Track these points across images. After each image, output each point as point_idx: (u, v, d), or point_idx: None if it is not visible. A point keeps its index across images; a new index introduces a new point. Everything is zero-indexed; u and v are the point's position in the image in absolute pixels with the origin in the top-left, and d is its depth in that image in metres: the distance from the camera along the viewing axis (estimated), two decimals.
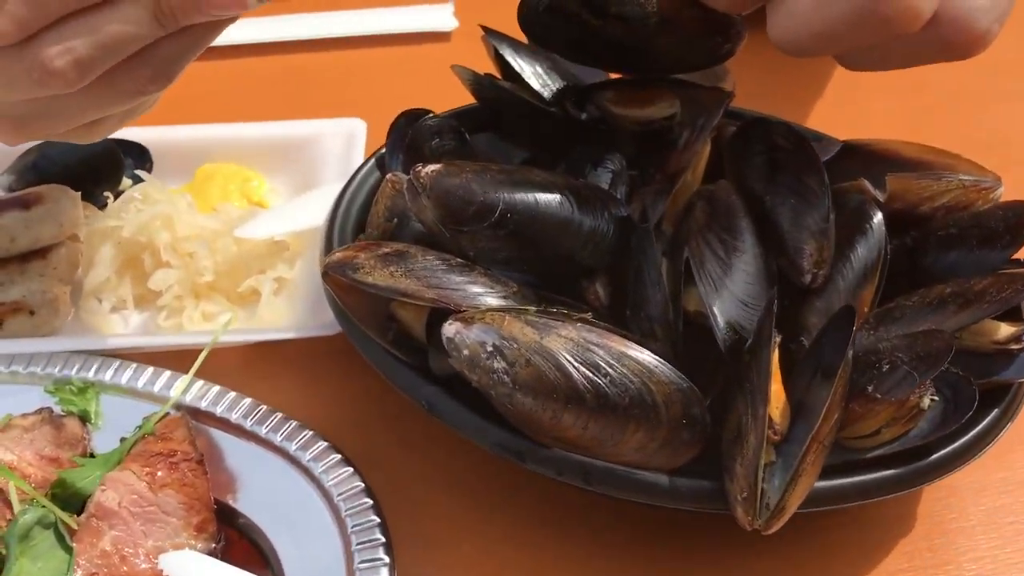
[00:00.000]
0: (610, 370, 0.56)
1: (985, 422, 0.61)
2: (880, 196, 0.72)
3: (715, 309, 0.61)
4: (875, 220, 0.69)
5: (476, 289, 0.62)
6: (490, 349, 0.57)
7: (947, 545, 0.66)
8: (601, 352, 0.57)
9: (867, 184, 0.72)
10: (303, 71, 1.06)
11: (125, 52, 0.54)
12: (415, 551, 0.65)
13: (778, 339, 0.59)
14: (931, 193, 0.71)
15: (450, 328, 0.58)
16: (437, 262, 0.63)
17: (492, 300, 0.62)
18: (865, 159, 0.76)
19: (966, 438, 0.61)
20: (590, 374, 0.56)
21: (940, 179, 0.71)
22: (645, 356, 0.57)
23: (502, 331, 0.57)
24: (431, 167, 0.66)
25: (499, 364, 0.56)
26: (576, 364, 0.56)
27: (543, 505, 0.68)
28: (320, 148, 0.92)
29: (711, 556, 0.65)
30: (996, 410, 0.62)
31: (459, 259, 0.64)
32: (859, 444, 0.61)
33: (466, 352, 0.57)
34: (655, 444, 0.57)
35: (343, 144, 0.91)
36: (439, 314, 0.62)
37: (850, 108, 1.02)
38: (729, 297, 0.62)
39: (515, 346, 0.57)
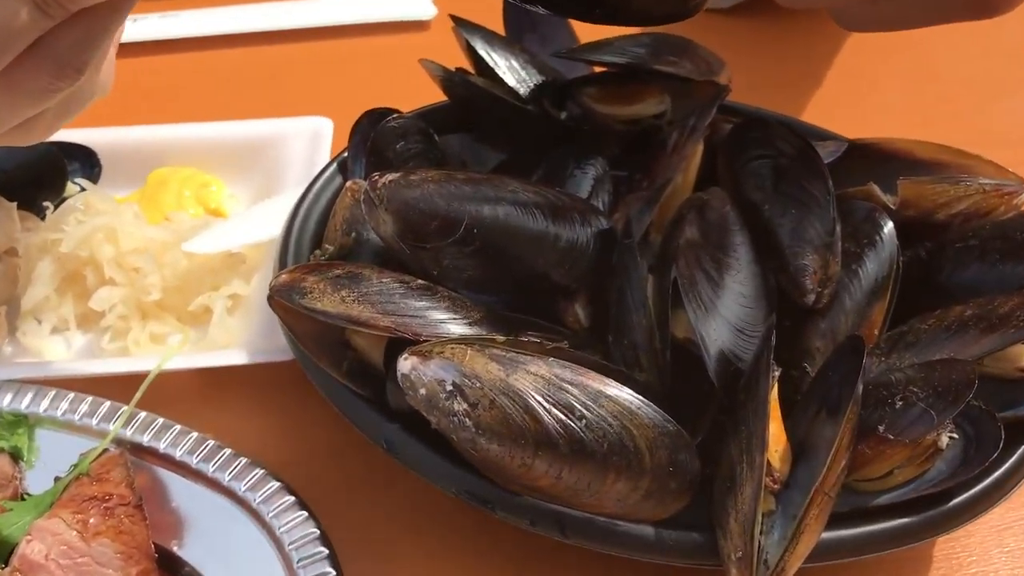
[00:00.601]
0: (586, 412, 0.50)
1: (1010, 462, 0.55)
2: (891, 202, 0.65)
3: (705, 337, 0.55)
4: (886, 231, 0.62)
5: (438, 315, 0.56)
6: (449, 388, 0.50)
7: None
8: (575, 391, 0.50)
9: (876, 189, 0.65)
10: (267, 65, 0.99)
11: (12, 48, 0.48)
12: None
13: (777, 373, 0.53)
14: (947, 199, 0.64)
15: (405, 363, 0.51)
16: (395, 285, 0.56)
17: (456, 328, 0.55)
18: (874, 160, 0.69)
19: (989, 481, 0.54)
20: (563, 417, 0.50)
21: (958, 183, 0.64)
22: (625, 395, 0.51)
23: (463, 367, 0.50)
24: (388, 176, 0.59)
25: (459, 405, 0.50)
26: (547, 406, 0.50)
27: (518, 549, 0.61)
28: (283, 149, 0.85)
29: None
30: (1022, 448, 0.56)
31: (420, 281, 0.57)
32: (869, 487, 0.55)
33: (423, 391, 0.50)
34: (638, 494, 0.51)
35: (308, 145, 0.84)
36: (399, 343, 0.55)
37: (854, 100, 0.95)
38: (722, 323, 0.55)
39: (478, 384, 0.50)
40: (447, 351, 0.51)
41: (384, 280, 0.56)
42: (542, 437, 0.49)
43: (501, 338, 0.53)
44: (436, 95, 0.77)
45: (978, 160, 0.68)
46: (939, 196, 0.64)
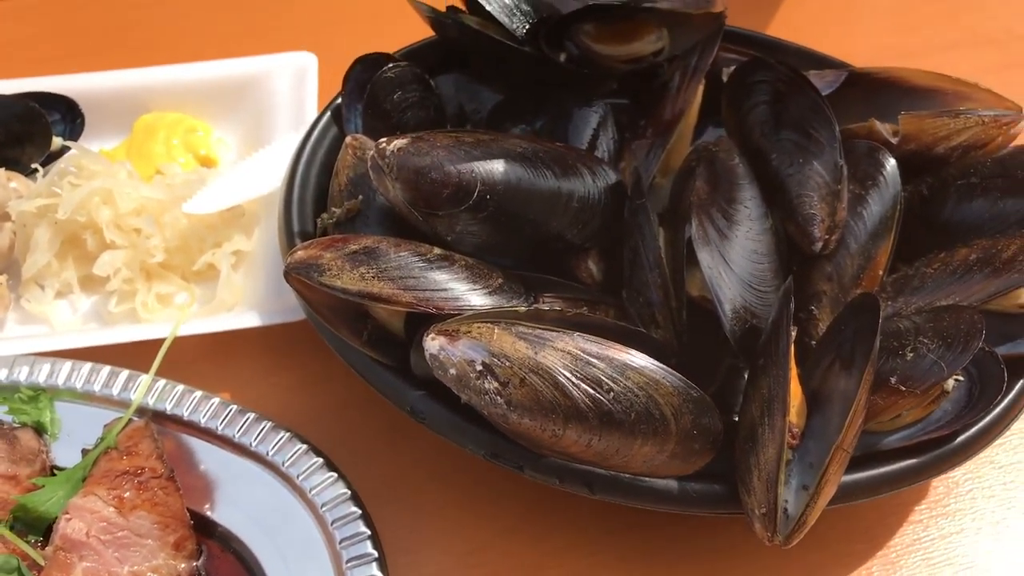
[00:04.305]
0: (613, 385, 0.51)
1: (1010, 397, 0.57)
2: (890, 136, 0.65)
3: (721, 296, 0.56)
4: (888, 169, 0.63)
5: (458, 287, 0.56)
6: (479, 368, 0.51)
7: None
8: (602, 365, 0.52)
9: (878, 125, 0.65)
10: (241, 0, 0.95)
11: None
12: (407, 556, 0.62)
13: (795, 333, 0.54)
14: (947, 132, 0.65)
15: (433, 343, 0.52)
16: (413, 259, 0.57)
17: (477, 299, 0.56)
18: (872, 90, 0.69)
19: (991, 417, 0.57)
20: (591, 391, 0.51)
21: (957, 116, 0.65)
22: (650, 366, 0.52)
23: (491, 347, 0.51)
24: (396, 143, 0.58)
25: (490, 384, 0.51)
26: (576, 381, 0.51)
27: (542, 502, 0.63)
28: (268, 88, 0.83)
29: (710, 555, 0.62)
30: (1022, 381, 0.58)
31: (438, 251, 0.58)
32: (877, 428, 0.57)
33: (453, 371, 0.52)
34: (664, 456, 0.53)
35: (293, 82, 0.82)
36: (421, 313, 0.56)
37: (833, 12, 0.94)
38: (736, 280, 0.57)
39: (507, 363, 0.51)
40: (474, 330, 0.52)
41: (402, 254, 0.57)
42: (572, 411, 0.51)
43: (523, 309, 0.54)
44: (420, 28, 0.75)
45: (975, 88, 0.68)
46: (939, 129, 0.65)
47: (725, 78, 0.70)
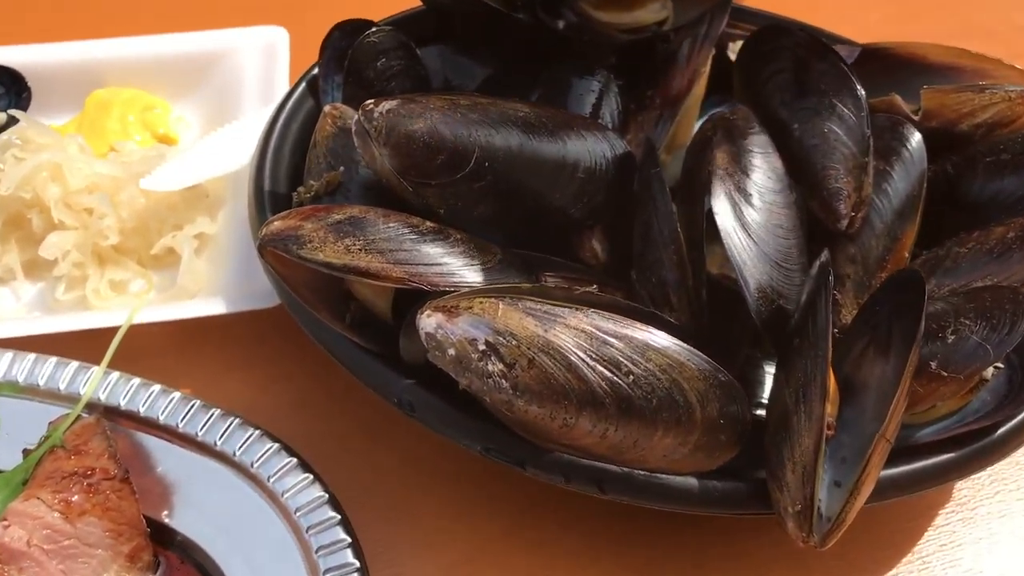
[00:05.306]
0: (633, 367, 0.46)
1: None
2: (912, 113, 0.61)
3: (745, 273, 0.51)
4: (913, 143, 0.59)
5: (453, 262, 0.50)
6: (482, 348, 0.45)
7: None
8: (620, 345, 0.46)
9: (900, 100, 0.61)
10: None
11: None
12: (391, 568, 0.55)
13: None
14: (971, 108, 0.61)
15: (429, 321, 0.46)
16: (404, 230, 0.51)
17: (473, 275, 0.50)
18: (888, 66, 0.65)
19: None
20: (609, 374, 0.46)
21: (982, 91, 0.61)
22: (673, 346, 0.47)
23: (496, 323, 0.46)
24: (385, 104, 0.53)
25: (495, 366, 0.45)
26: (591, 362, 0.45)
27: (538, 505, 0.58)
28: (234, 64, 0.77)
29: (724, 564, 0.56)
30: None
31: (430, 223, 0.52)
32: (910, 420, 0.52)
33: (452, 352, 0.46)
34: (687, 448, 0.47)
35: (261, 59, 0.77)
36: (409, 291, 0.50)
37: None
38: (761, 257, 0.51)
39: (514, 342, 0.45)
40: (476, 305, 0.46)
41: (391, 224, 0.51)
42: (586, 396, 0.45)
43: (527, 286, 0.49)
44: (399, 1, 0.70)
45: (997, 64, 0.64)
46: (963, 105, 0.61)
47: (731, 54, 0.66)
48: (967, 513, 0.59)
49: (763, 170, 0.54)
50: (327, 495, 0.55)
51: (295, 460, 0.56)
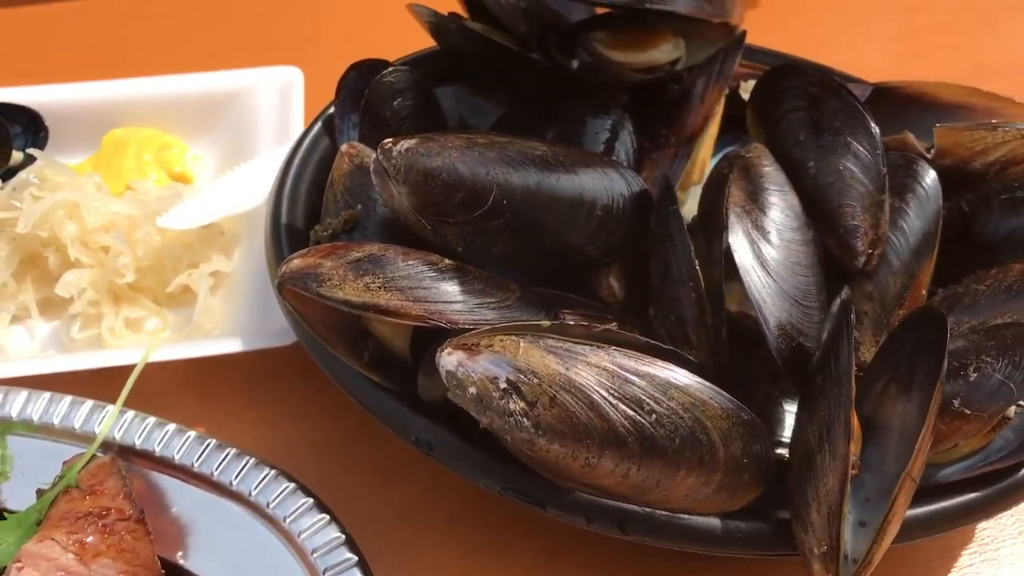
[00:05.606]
0: (655, 406, 0.45)
1: None
2: (925, 151, 0.62)
3: (764, 310, 0.51)
4: (928, 180, 0.59)
5: (472, 300, 0.50)
6: (504, 386, 0.45)
7: None
8: (642, 383, 0.46)
9: (912, 138, 0.61)
10: (223, 12, 0.90)
11: None
12: None
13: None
14: (984, 146, 0.61)
15: (450, 359, 0.46)
16: (423, 267, 0.51)
17: (493, 313, 0.50)
18: (899, 105, 0.66)
19: None
20: (631, 412, 0.45)
21: (995, 129, 0.61)
22: (695, 384, 0.47)
23: (517, 361, 0.45)
24: (404, 143, 0.53)
25: (516, 404, 0.45)
26: (613, 401, 0.45)
27: (560, 549, 0.57)
28: (250, 104, 0.77)
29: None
30: None
31: (448, 261, 0.52)
32: (932, 459, 0.52)
33: (472, 390, 0.45)
34: (710, 488, 0.47)
35: (277, 99, 0.77)
36: (427, 329, 0.50)
37: (850, 34, 0.91)
38: (780, 294, 0.51)
39: (535, 380, 0.45)
40: (496, 344, 0.46)
41: (411, 262, 0.51)
42: (609, 435, 0.45)
43: (547, 324, 0.49)
44: (413, 43, 0.70)
45: (1008, 103, 0.64)
46: (976, 143, 0.61)
47: (743, 93, 0.67)
48: (990, 554, 0.59)
49: (780, 207, 0.54)
50: (344, 536, 0.54)
51: (311, 500, 0.56)
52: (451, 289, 0.50)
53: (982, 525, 0.60)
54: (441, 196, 0.52)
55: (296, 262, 0.51)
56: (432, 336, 0.50)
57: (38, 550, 0.53)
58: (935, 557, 0.58)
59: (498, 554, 0.57)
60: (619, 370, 0.46)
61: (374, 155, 0.53)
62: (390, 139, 0.53)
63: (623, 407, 0.45)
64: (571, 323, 0.50)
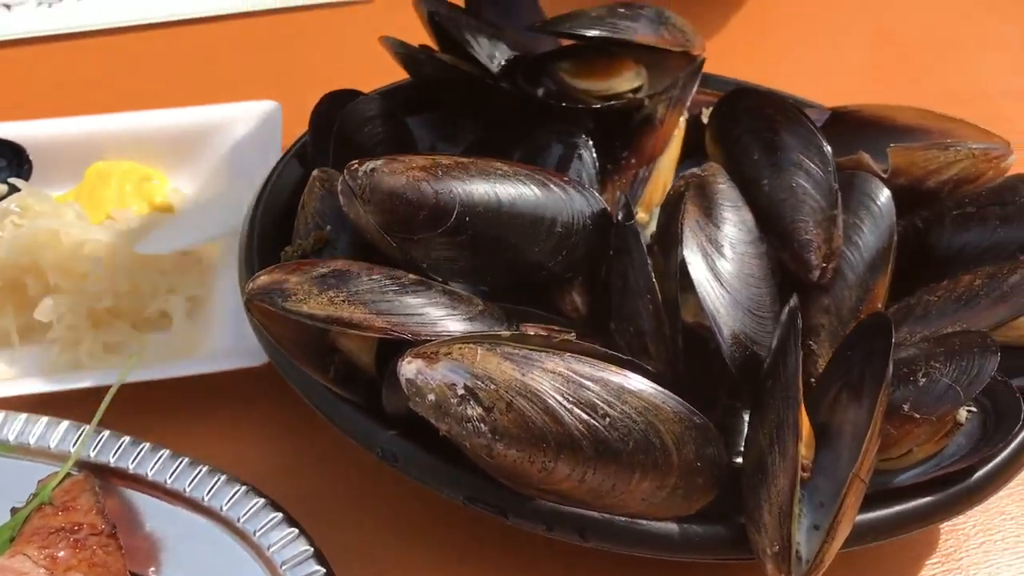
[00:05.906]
0: (609, 410, 0.47)
1: None
2: (881, 171, 0.63)
3: (719, 320, 0.52)
4: (882, 199, 0.61)
5: (435, 312, 0.52)
6: (461, 392, 0.46)
7: None
8: (597, 388, 0.47)
9: (867, 158, 0.63)
10: (202, 48, 0.92)
11: None
12: None
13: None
14: (938, 165, 0.63)
15: (409, 367, 0.47)
16: (387, 282, 0.52)
17: (455, 325, 0.52)
18: (857, 127, 0.68)
19: (1009, 451, 0.53)
20: (586, 416, 0.47)
21: (947, 149, 0.63)
22: (648, 389, 0.48)
23: (475, 368, 0.47)
24: (369, 164, 0.55)
25: (473, 410, 0.46)
26: (568, 405, 0.47)
27: (530, 557, 0.58)
28: (229, 137, 0.79)
29: None
30: None
31: (412, 275, 0.53)
32: (887, 466, 0.53)
33: (431, 397, 0.47)
34: (665, 492, 0.48)
35: (256, 132, 0.79)
36: (391, 343, 0.51)
37: (817, 64, 0.94)
38: (734, 304, 0.53)
39: (492, 386, 0.46)
40: (455, 351, 0.47)
41: (375, 277, 0.52)
42: (564, 439, 0.46)
43: (506, 333, 0.50)
44: (386, 75, 0.72)
45: (961, 124, 0.66)
46: (929, 163, 0.63)
47: (705, 120, 0.69)
48: (952, 564, 0.59)
49: (734, 222, 0.56)
50: (312, 549, 0.55)
51: (280, 515, 0.57)
52: (414, 302, 0.52)
53: (945, 536, 0.60)
54: (406, 214, 0.54)
55: (263, 278, 0.53)
56: (396, 349, 0.51)
57: (10, 564, 0.54)
58: (900, 568, 0.59)
59: (468, 567, 0.58)
60: (574, 375, 0.47)
61: (342, 176, 0.55)
62: (356, 160, 0.55)
63: (578, 411, 0.46)
64: (531, 333, 0.51)
